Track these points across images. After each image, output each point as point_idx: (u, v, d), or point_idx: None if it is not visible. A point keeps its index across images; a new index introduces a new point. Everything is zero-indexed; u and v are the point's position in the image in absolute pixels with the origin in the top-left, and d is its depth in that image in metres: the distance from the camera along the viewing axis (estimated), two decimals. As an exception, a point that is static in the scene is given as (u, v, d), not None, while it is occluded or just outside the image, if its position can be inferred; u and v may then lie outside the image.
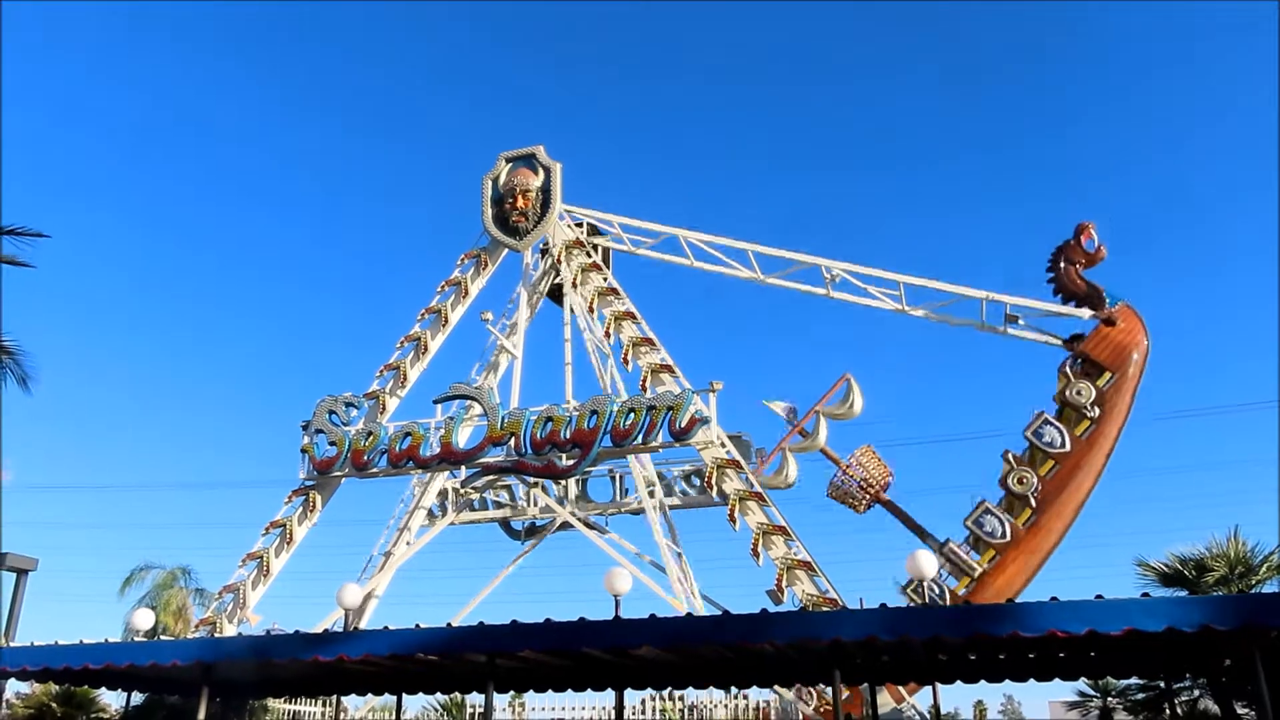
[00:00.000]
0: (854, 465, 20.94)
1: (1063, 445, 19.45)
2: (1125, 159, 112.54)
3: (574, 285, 24.23)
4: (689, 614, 12.63)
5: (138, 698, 20.00)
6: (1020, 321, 21.27)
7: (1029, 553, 19.08)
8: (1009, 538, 19.13)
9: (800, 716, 20.55)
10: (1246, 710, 15.90)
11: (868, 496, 20.87)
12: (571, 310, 24.91)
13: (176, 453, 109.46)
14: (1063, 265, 20.73)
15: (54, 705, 22.12)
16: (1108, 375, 19.87)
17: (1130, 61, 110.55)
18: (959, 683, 15.24)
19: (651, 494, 23.09)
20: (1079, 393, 19.70)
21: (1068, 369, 20.10)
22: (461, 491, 24.92)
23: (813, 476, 22.08)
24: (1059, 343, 20.83)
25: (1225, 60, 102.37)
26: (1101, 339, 20.16)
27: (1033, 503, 19.23)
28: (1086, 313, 20.50)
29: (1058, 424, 19.70)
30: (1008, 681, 15.36)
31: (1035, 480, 19.34)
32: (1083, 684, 21.63)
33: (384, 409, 23.97)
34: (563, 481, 23.62)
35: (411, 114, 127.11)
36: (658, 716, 26.24)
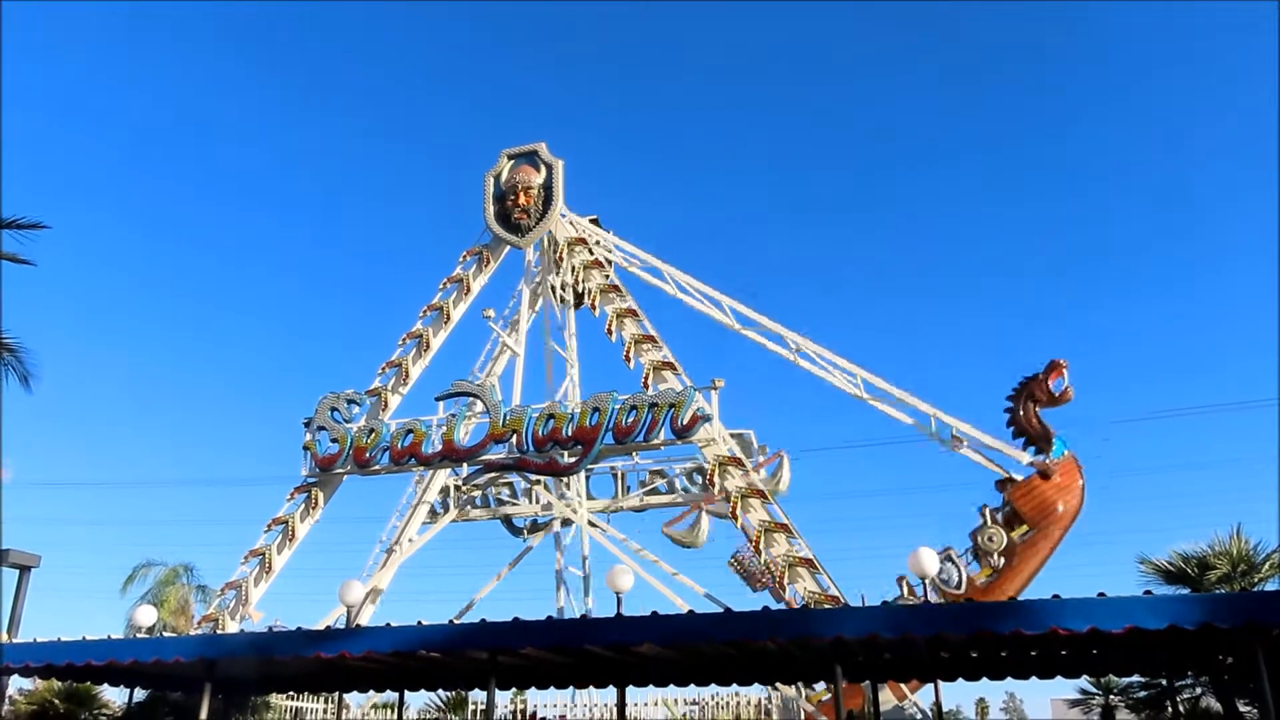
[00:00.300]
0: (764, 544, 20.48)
1: (958, 586, 19.35)
2: (1125, 159, 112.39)
3: (575, 284, 24.24)
4: (691, 611, 12.64)
5: (140, 694, 20.01)
6: (964, 444, 21.18)
7: (894, 688, 18.78)
8: None
9: (802, 714, 20.57)
10: (1248, 708, 15.90)
11: (761, 582, 20.55)
12: (565, 305, 24.97)
13: (178, 450, 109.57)
14: (1023, 404, 20.66)
15: (57, 702, 22.18)
16: (1024, 529, 19.76)
17: (1130, 61, 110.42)
18: (961, 680, 15.24)
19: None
20: (990, 539, 19.73)
21: (988, 511, 20.05)
22: (463, 489, 24.94)
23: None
24: (1000, 474, 20.71)
25: (1225, 60, 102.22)
26: (1029, 491, 20.05)
27: None
28: (1026, 457, 20.46)
29: (959, 564, 19.59)
30: (1010, 679, 15.37)
31: None
32: (1085, 682, 21.67)
33: (386, 406, 23.99)
34: (564, 479, 23.65)
35: (411, 114, 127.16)
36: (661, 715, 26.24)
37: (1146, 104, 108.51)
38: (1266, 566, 17.02)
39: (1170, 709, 17.36)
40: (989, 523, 19.86)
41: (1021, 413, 20.60)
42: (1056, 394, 20.47)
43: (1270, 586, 16.84)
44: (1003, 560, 19.43)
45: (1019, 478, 20.38)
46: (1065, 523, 19.82)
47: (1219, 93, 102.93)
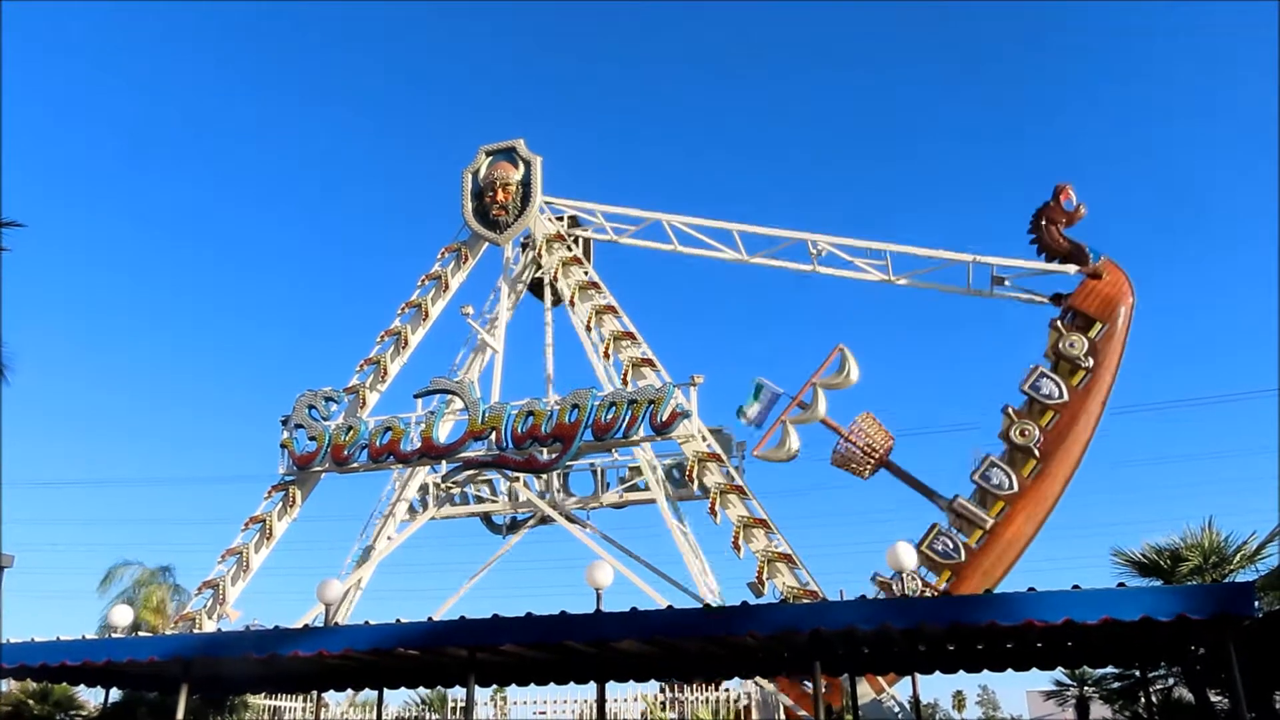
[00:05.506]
0: (855, 433, 20.93)
1: (1061, 396, 19.80)
2: (1127, 150, 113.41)
3: (553, 281, 24.14)
4: (670, 606, 12.67)
5: (116, 695, 19.85)
6: (1007, 283, 21.50)
7: (1036, 502, 19.55)
8: (1015, 489, 19.56)
9: (781, 707, 20.65)
10: (1220, 698, 16.10)
11: (872, 462, 20.86)
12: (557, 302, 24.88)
13: (154, 448, 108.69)
14: (1044, 225, 20.95)
15: (31, 703, 21.99)
16: (1098, 326, 20.24)
17: (1134, 53, 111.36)
18: (938, 673, 15.37)
19: None
20: (1072, 345, 20.01)
21: (1059, 323, 20.36)
22: (442, 486, 24.86)
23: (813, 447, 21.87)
24: (1045, 300, 21.12)
25: (1226, 55, 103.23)
26: (1089, 292, 20.49)
27: (1036, 454, 19.62)
28: (1073, 268, 20.71)
29: (1054, 376, 20.00)
30: (986, 671, 15.50)
31: (1037, 432, 19.70)
32: (1060, 673, 21.87)
33: (364, 403, 23.88)
34: (544, 476, 23.62)
35: (396, 109, 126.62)
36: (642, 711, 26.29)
37: (1148, 98, 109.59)
38: (1238, 558, 17.20)
39: (1144, 699, 17.56)
40: (1064, 332, 20.16)
41: (1047, 236, 20.92)
42: (1070, 211, 20.86)
43: (1241, 578, 17.04)
44: (1091, 360, 19.82)
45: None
46: (1127, 320, 20.26)
47: (1223, 85, 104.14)
